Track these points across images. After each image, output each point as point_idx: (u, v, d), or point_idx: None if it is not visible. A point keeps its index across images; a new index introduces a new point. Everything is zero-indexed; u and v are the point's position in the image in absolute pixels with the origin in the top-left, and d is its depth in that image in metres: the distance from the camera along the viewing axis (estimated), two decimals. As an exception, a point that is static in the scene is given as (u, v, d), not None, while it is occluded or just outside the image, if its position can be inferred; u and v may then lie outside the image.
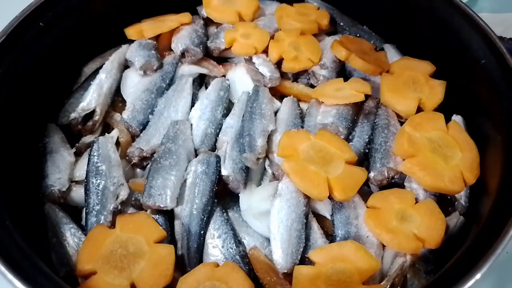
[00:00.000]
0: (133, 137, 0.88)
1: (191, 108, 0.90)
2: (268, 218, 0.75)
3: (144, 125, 0.88)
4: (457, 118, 0.87)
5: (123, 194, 0.78)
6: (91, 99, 0.90)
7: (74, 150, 0.87)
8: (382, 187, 0.81)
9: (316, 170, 0.75)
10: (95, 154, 0.80)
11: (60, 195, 0.79)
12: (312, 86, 0.96)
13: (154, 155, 0.81)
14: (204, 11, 1.05)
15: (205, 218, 0.75)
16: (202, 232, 0.74)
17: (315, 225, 0.77)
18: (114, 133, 0.88)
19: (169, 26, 0.99)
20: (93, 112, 0.89)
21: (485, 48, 0.82)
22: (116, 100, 0.95)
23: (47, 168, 0.81)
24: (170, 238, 0.75)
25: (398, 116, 0.89)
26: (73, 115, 0.89)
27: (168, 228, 0.75)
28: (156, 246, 0.69)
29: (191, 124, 0.87)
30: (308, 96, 0.92)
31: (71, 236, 0.74)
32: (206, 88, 0.95)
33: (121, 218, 0.72)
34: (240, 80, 0.93)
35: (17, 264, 0.59)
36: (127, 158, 0.84)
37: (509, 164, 0.71)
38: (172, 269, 0.67)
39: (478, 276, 0.58)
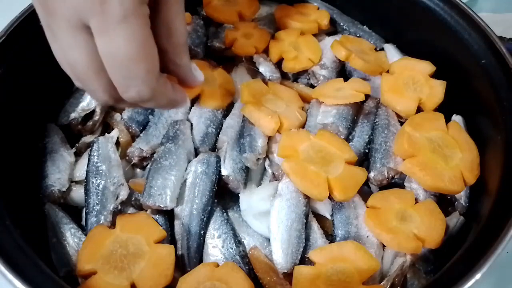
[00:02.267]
0: (133, 137, 0.88)
1: (191, 108, 0.90)
2: (268, 218, 0.75)
3: (144, 125, 0.88)
4: (457, 118, 0.87)
5: (123, 194, 0.78)
6: (91, 99, 0.90)
7: (74, 150, 0.87)
8: (382, 187, 0.81)
9: (316, 170, 0.75)
10: (95, 154, 0.80)
11: (60, 195, 0.79)
12: (312, 86, 0.96)
13: (154, 155, 0.81)
14: (204, 11, 1.05)
15: (205, 218, 0.75)
16: (202, 232, 0.74)
17: (315, 225, 0.77)
18: (114, 133, 0.88)
19: (169, 26, 0.99)
20: (93, 112, 0.90)
21: (485, 48, 0.82)
22: (116, 100, 0.95)
23: (47, 168, 0.81)
24: (170, 238, 0.75)
25: (398, 116, 0.89)
26: (73, 115, 0.89)
27: (168, 228, 0.75)
28: (156, 246, 0.69)
29: (191, 124, 0.87)
30: (308, 96, 0.92)
31: (71, 236, 0.74)
32: (206, 88, 0.95)
33: (121, 218, 0.72)
34: (240, 80, 0.93)
35: (17, 264, 0.59)
36: (127, 158, 0.84)
37: (509, 164, 0.71)
38: (172, 269, 0.67)
39: (478, 276, 0.58)
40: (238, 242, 0.75)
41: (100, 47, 0.52)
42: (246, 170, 0.81)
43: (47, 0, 0.52)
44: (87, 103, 0.90)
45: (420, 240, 0.70)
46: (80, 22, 0.51)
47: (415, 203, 0.75)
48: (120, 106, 0.66)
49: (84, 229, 0.75)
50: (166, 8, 0.58)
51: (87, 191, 0.77)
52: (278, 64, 0.96)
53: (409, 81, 0.89)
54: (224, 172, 0.79)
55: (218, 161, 0.80)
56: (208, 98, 0.87)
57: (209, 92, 0.87)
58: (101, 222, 0.73)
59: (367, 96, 0.89)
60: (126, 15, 0.50)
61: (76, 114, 0.89)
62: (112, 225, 0.73)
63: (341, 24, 1.08)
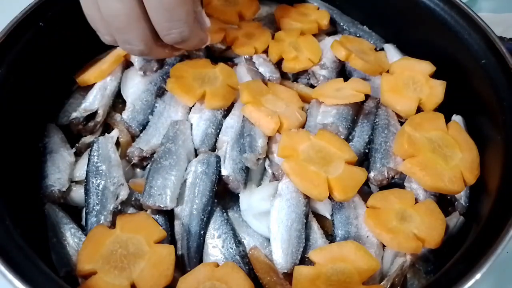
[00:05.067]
0: (133, 137, 0.88)
1: (191, 108, 0.90)
2: (268, 218, 0.75)
3: (144, 125, 0.88)
4: (457, 118, 0.87)
5: (123, 194, 0.78)
6: (94, 100, 0.90)
7: (74, 150, 0.87)
8: (382, 187, 0.81)
9: (316, 170, 0.75)
10: (95, 154, 0.80)
11: (60, 195, 0.79)
12: (312, 86, 0.96)
13: (154, 155, 0.81)
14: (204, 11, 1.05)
15: (205, 218, 0.75)
16: (202, 232, 0.74)
17: (315, 225, 0.77)
18: (114, 133, 0.87)
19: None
20: (94, 113, 0.89)
21: (485, 48, 0.82)
22: (116, 101, 0.95)
23: (47, 168, 0.81)
24: (170, 238, 0.75)
25: (398, 116, 0.89)
26: (74, 115, 0.88)
27: (168, 228, 0.75)
28: (156, 246, 0.69)
29: (191, 124, 0.87)
30: (308, 96, 0.92)
31: (71, 236, 0.74)
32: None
33: (121, 218, 0.72)
34: (240, 80, 0.93)
35: (17, 264, 0.59)
36: (127, 158, 0.84)
37: (509, 164, 0.71)
38: (172, 269, 0.67)
39: (478, 276, 0.58)
40: (238, 242, 0.75)
41: None
42: (246, 170, 0.81)
43: None
44: (90, 103, 0.90)
45: (420, 240, 0.70)
46: None
47: (415, 203, 0.75)
48: (152, 55, 0.77)
49: (84, 229, 0.75)
50: None
51: (87, 191, 0.77)
52: (278, 64, 0.96)
53: (409, 81, 0.89)
54: (224, 172, 0.79)
55: (218, 161, 0.80)
56: (212, 98, 0.87)
57: (213, 92, 0.87)
58: (101, 222, 0.73)
59: (367, 96, 0.89)
60: None
61: (78, 114, 0.88)
62: (112, 225, 0.73)
63: (341, 24, 1.08)
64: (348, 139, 0.86)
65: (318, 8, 1.08)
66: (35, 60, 0.85)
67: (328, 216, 0.78)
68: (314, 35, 1.01)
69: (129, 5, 0.63)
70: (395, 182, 0.82)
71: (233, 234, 0.75)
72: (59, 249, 0.73)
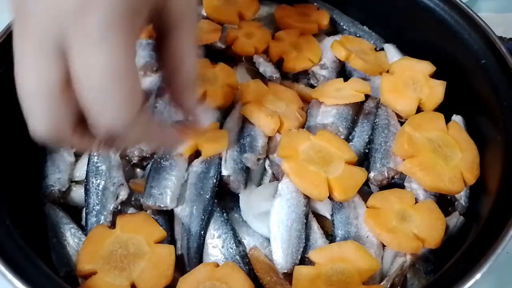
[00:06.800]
0: (133, 137, 0.88)
1: (191, 108, 0.90)
2: (268, 218, 0.75)
3: (144, 125, 0.88)
4: (457, 118, 0.87)
5: (123, 194, 0.78)
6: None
7: (74, 150, 0.87)
8: (382, 187, 0.81)
9: (316, 170, 0.75)
10: (95, 154, 0.80)
11: (60, 195, 0.79)
12: (312, 86, 0.96)
13: (154, 155, 0.81)
14: (204, 11, 1.05)
15: (205, 218, 0.75)
16: (202, 232, 0.74)
17: (315, 225, 0.77)
18: (114, 133, 0.87)
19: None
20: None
21: (485, 48, 0.82)
22: (116, 100, 0.95)
23: (47, 168, 0.81)
24: (170, 238, 0.75)
25: (398, 116, 0.89)
26: (73, 115, 0.88)
27: (168, 228, 0.75)
28: (156, 246, 0.69)
29: (191, 124, 0.87)
30: (308, 96, 0.92)
31: (71, 236, 0.75)
32: (206, 88, 0.94)
33: (121, 218, 0.72)
34: (240, 80, 0.93)
35: (17, 264, 0.59)
36: (127, 158, 0.84)
37: (509, 164, 0.71)
38: (172, 269, 0.67)
39: (478, 276, 0.58)
40: (238, 242, 0.75)
41: (76, 60, 0.44)
42: (247, 170, 0.81)
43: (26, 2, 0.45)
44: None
45: (420, 240, 0.70)
46: (55, 35, 0.45)
47: (415, 203, 0.75)
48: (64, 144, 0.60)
49: (84, 229, 0.75)
50: (175, 36, 0.49)
51: (87, 191, 0.77)
52: (278, 64, 0.96)
53: (409, 81, 0.89)
54: (224, 172, 0.79)
55: (218, 162, 0.80)
56: (211, 98, 0.87)
57: (212, 92, 0.87)
58: (101, 222, 0.73)
59: (367, 96, 0.90)
60: (109, 27, 0.42)
61: (76, 114, 0.89)
62: (112, 225, 0.73)
63: (341, 24, 1.08)
64: (348, 139, 0.86)
65: (318, 8, 1.08)
66: (35, 60, 0.85)
67: (328, 216, 0.78)
68: (314, 35, 1.01)
69: (54, 74, 0.47)
70: (395, 182, 0.82)
71: (233, 234, 0.75)
72: (59, 249, 0.73)
